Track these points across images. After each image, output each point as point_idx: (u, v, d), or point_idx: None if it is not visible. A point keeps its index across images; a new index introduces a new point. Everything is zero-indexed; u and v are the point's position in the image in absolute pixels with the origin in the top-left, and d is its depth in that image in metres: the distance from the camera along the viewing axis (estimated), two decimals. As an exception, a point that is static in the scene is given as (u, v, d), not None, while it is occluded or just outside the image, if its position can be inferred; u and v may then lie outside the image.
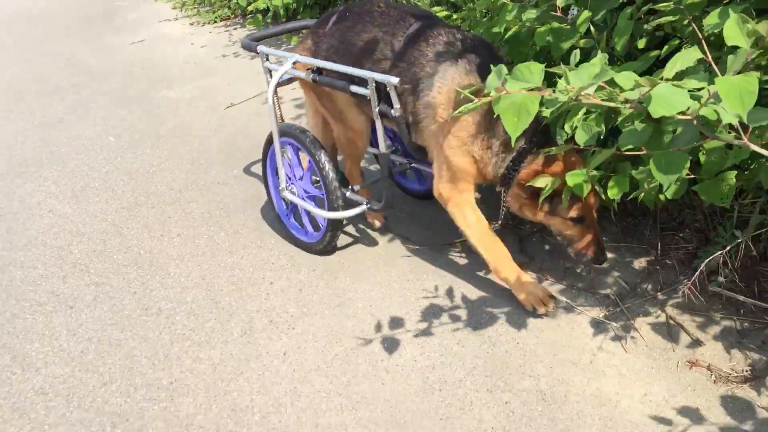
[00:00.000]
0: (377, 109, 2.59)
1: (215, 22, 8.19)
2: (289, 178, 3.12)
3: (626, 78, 1.46)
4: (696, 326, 2.33)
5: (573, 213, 2.31)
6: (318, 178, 2.95)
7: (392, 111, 2.54)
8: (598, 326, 2.42)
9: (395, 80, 2.43)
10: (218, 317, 2.79)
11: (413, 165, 3.25)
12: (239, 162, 4.28)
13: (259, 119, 4.96)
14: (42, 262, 3.39)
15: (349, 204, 2.91)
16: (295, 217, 3.29)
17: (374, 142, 3.08)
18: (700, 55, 1.54)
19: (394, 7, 2.70)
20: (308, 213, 3.12)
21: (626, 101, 1.40)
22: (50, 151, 4.84)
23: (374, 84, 2.51)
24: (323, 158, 2.83)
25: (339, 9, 2.90)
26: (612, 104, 1.41)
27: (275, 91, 2.97)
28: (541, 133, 2.31)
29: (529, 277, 2.57)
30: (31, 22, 9.36)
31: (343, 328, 2.62)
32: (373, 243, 3.16)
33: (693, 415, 1.98)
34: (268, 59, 3.11)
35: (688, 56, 1.52)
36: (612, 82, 1.46)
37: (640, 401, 2.06)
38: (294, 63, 2.83)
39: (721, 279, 2.36)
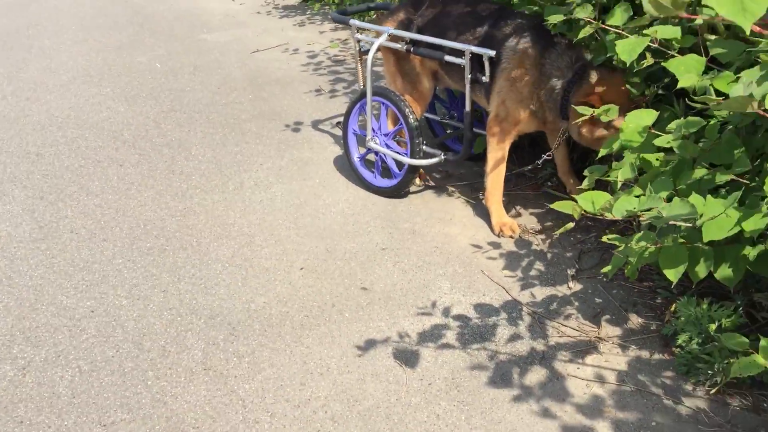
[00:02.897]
0: (470, 76, 3.21)
1: (255, -15, 9.46)
2: (374, 131, 3.74)
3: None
4: (522, 206, 3.58)
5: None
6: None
7: (483, 78, 3.17)
8: (466, 202, 3.66)
9: (492, 52, 3.06)
10: (221, 179, 4.08)
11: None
12: (254, 90, 5.55)
13: (277, 63, 6.23)
14: (101, 138, 4.70)
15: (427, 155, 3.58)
16: (367, 166, 3.89)
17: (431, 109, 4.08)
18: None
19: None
20: (387, 162, 3.70)
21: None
22: (109, 68, 6.17)
23: (470, 55, 3.15)
24: (408, 113, 3.48)
25: None
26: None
27: (365, 58, 3.63)
28: (582, 67, 2.93)
29: (504, 212, 3.37)
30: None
31: (301, 191, 3.89)
32: (337, 147, 4.41)
33: (495, 245, 3.23)
34: (358, 32, 3.75)
35: None
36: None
37: (469, 238, 3.32)
38: (389, 35, 3.50)
39: (548, 183, 3.59)
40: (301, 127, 4.79)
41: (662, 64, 2.31)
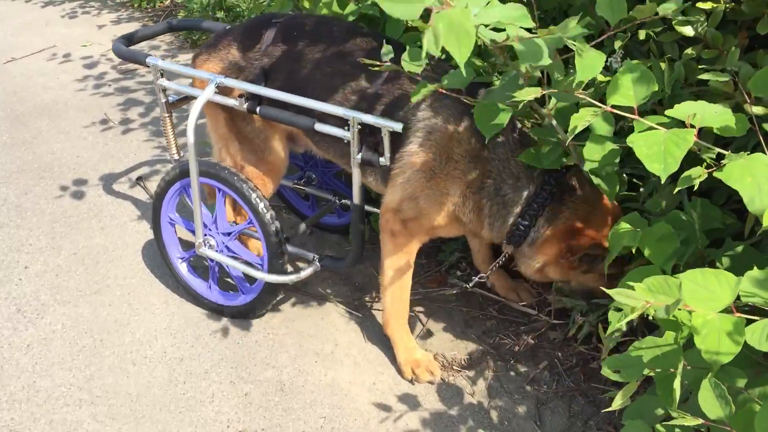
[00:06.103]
0: (359, 157, 2.07)
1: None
2: (207, 228, 2.45)
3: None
4: (429, 314, 2.54)
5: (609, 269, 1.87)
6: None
7: (381, 159, 2.04)
8: (347, 314, 2.55)
9: (399, 126, 1.94)
10: (-41, 305, 2.62)
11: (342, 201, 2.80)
12: (11, 127, 3.96)
13: (42, 78, 4.60)
14: None
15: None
16: (196, 271, 2.63)
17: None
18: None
19: (359, 32, 2.18)
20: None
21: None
22: None
23: (358, 127, 2.02)
24: (258, 201, 2.25)
25: (275, 19, 2.29)
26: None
27: (171, 114, 2.51)
28: (555, 180, 1.97)
29: (415, 343, 2.33)
30: None
31: (96, 317, 2.55)
32: (143, 223, 3.08)
33: (411, 401, 2.17)
34: (162, 76, 2.40)
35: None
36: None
37: (368, 389, 2.23)
38: (217, 85, 2.20)
39: (458, 273, 2.59)
40: (85, 189, 3.36)
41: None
